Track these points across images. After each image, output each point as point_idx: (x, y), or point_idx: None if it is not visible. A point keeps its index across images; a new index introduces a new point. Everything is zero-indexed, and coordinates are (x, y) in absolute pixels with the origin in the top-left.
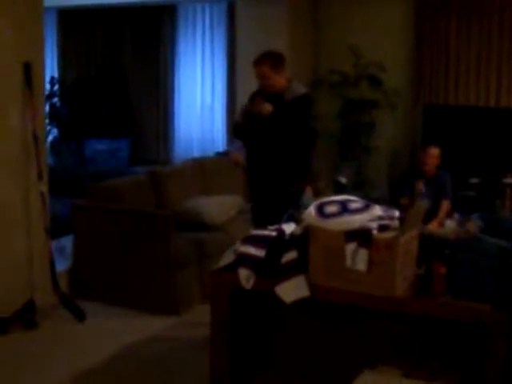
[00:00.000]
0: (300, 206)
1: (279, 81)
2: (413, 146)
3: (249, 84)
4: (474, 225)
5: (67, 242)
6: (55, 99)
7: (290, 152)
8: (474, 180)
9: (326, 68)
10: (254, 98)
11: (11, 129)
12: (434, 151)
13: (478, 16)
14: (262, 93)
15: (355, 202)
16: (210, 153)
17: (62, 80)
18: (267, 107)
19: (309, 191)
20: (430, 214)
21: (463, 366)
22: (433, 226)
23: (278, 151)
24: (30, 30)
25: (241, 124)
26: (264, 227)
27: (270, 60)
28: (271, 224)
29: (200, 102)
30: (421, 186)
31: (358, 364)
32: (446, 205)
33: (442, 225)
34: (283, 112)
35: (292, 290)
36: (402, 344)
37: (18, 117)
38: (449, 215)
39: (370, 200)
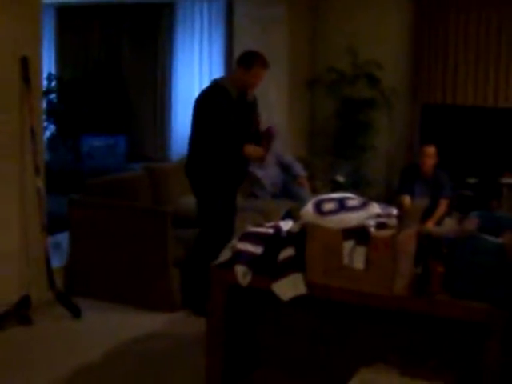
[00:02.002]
0: (300, 200)
1: None
2: (410, 145)
3: None
4: (472, 223)
5: (63, 238)
6: (52, 95)
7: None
8: (471, 179)
9: (323, 66)
10: (223, 98)
11: (8, 123)
12: (431, 150)
13: (476, 16)
14: (234, 89)
15: (353, 199)
16: None
17: (60, 76)
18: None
19: (306, 185)
20: (427, 213)
21: (461, 365)
22: (430, 224)
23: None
24: (28, 26)
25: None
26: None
27: None
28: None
29: None
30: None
31: (354, 362)
32: (444, 204)
33: (438, 223)
34: (252, 111)
35: (289, 288)
36: (398, 342)
37: (15, 111)
38: (447, 214)
39: (368, 199)
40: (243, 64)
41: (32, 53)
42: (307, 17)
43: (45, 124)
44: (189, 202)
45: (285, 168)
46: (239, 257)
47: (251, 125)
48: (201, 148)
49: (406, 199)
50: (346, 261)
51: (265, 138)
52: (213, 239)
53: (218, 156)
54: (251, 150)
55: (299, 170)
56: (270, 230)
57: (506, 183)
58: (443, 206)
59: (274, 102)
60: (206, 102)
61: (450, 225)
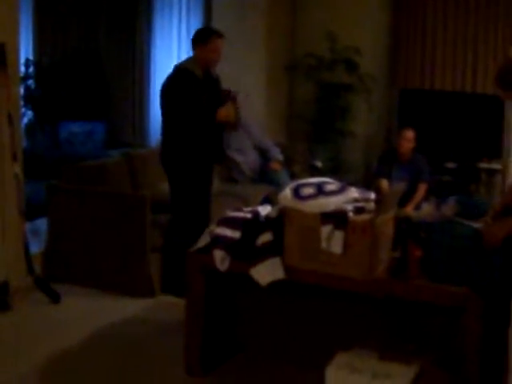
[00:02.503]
0: (278, 185)
1: None
2: (388, 130)
3: (225, 65)
4: (449, 208)
5: (42, 224)
6: (30, 81)
7: None
8: (449, 164)
9: (301, 51)
10: (189, 81)
11: None
12: (409, 134)
13: (454, 1)
14: (198, 70)
15: (331, 184)
16: None
17: (38, 62)
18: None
19: (279, 169)
20: (406, 197)
21: (438, 348)
22: (408, 209)
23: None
24: (6, 11)
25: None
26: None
27: None
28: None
29: None
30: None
31: (332, 346)
32: (423, 188)
33: (417, 208)
34: (218, 88)
35: (267, 272)
36: (377, 326)
37: None
38: (425, 198)
39: (346, 183)
40: (199, 41)
41: (9, 38)
42: (286, 2)
43: (22, 110)
44: (167, 187)
45: (263, 152)
46: (217, 241)
47: (220, 102)
48: (175, 134)
49: (384, 183)
50: (323, 245)
51: (229, 100)
52: (189, 225)
53: (193, 139)
54: (224, 111)
55: (275, 153)
56: (249, 215)
57: (484, 168)
58: (422, 190)
59: (252, 87)
60: (173, 88)
61: (427, 209)
